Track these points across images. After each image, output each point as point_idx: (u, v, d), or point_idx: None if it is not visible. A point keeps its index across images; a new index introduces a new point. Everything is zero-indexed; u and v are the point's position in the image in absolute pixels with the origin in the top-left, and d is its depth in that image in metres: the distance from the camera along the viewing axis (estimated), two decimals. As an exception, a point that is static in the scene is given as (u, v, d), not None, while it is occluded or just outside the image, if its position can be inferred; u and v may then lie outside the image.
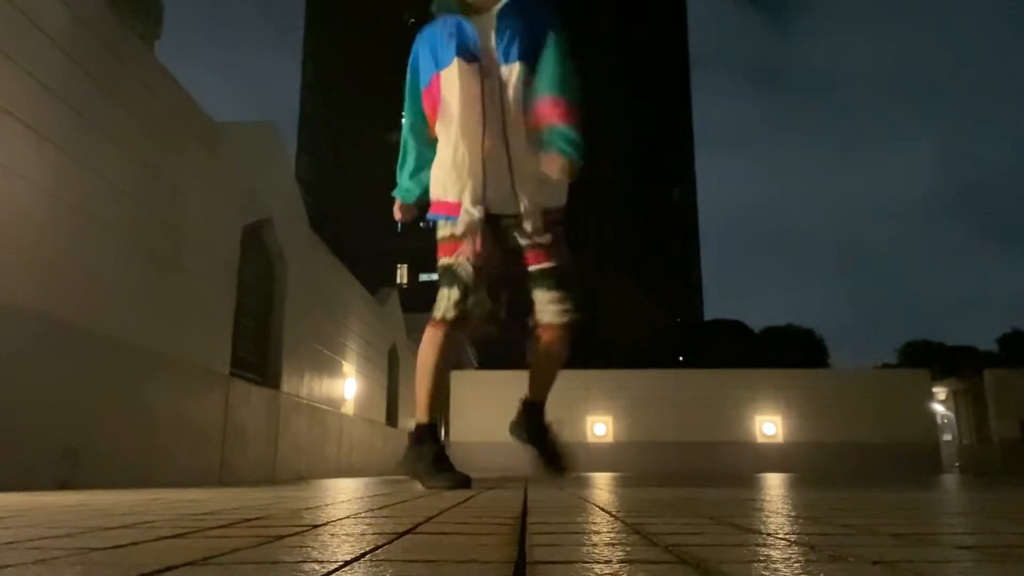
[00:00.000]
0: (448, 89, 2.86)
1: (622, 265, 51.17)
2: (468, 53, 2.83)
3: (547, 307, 2.91)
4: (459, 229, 2.83)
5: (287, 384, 6.88)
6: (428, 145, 3.03)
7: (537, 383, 3.20)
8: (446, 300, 2.84)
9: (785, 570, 0.73)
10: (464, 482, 2.76)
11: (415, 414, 2.99)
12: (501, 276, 2.92)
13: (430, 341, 2.91)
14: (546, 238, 2.89)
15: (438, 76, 2.89)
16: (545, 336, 2.98)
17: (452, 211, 2.84)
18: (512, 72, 2.82)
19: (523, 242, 2.89)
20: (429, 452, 2.85)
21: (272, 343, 6.73)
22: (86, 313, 3.76)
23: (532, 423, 3.21)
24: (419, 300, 9.50)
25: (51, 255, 3.54)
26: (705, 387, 16.80)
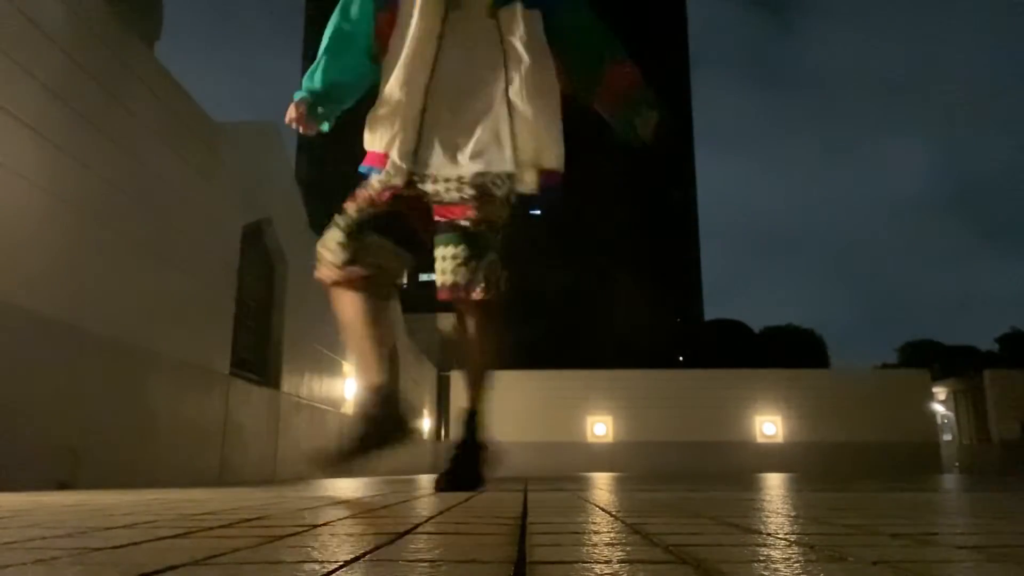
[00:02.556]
0: (403, 17, 2.43)
1: (622, 265, 51.14)
2: None
3: (441, 266, 2.40)
4: (374, 187, 2.40)
5: (287, 384, 6.87)
6: (356, 56, 2.53)
7: (465, 381, 2.60)
8: (319, 247, 2.41)
9: (785, 570, 0.73)
10: (381, 441, 2.29)
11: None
12: (405, 225, 2.42)
13: (332, 302, 2.48)
14: (469, 193, 2.37)
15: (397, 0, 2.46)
16: (458, 314, 2.49)
17: (379, 162, 2.41)
18: (515, 14, 2.40)
19: (456, 196, 2.39)
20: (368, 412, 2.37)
21: (272, 343, 6.73)
22: (86, 313, 3.76)
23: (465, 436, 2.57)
24: (419, 300, 9.50)
25: (51, 255, 3.54)
26: (705, 387, 16.80)
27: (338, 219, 2.41)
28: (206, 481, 4.90)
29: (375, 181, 2.41)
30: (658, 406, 16.36)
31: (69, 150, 3.65)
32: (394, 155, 2.37)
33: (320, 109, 2.56)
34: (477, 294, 2.36)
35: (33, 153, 3.39)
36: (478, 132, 2.37)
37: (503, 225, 2.45)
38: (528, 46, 2.39)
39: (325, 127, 2.62)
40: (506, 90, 2.37)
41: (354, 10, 2.54)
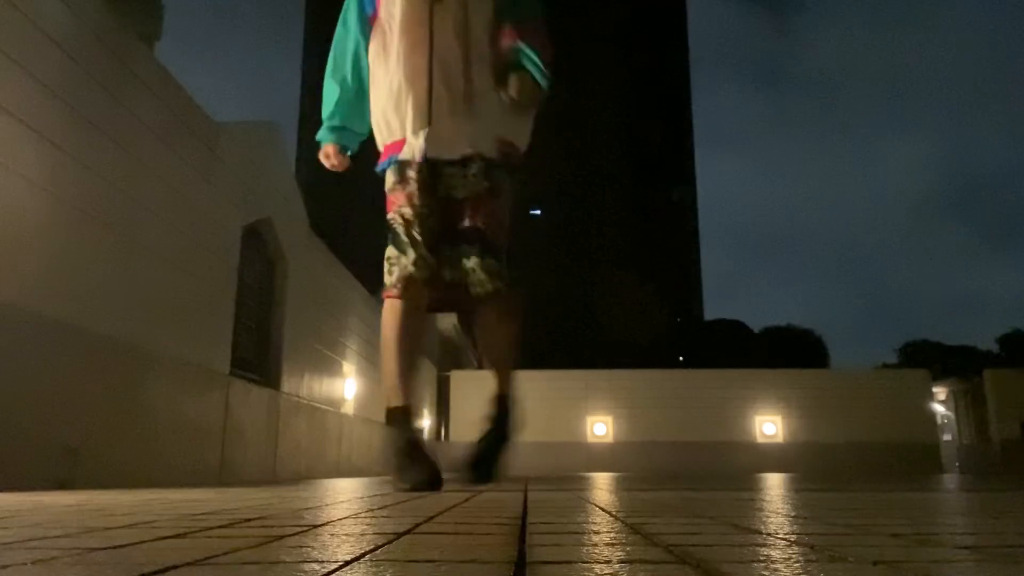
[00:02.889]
0: (389, 8, 2.54)
1: (622, 265, 51.15)
2: None
3: (476, 275, 2.48)
4: (395, 176, 2.51)
5: (287, 384, 6.88)
6: (351, 77, 2.71)
7: (494, 370, 2.70)
8: (388, 263, 2.52)
9: (785, 570, 0.73)
10: (430, 482, 2.35)
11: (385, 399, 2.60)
12: (442, 232, 2.53)
13: (387, 313, 2.55)
14: (483, 186, 2.49)
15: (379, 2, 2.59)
16: (482, 315, 2.59)
17: (397, 149, 2.52)
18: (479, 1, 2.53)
19: (462, 194, 2.51)
20: (400, 439, 2.49)
21: (272, 343, 6.73)
22: (86, 313, 3.76)
23: (499, 419, 2.70)
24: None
25: (51, 254, 3.54)
26: (705, 387, 16.80)
27: (398, 233, 2.50)
28: (206, 481, 4.90)
29: (395, 164, 2.51)
30: (658, 406, 16.36)
31: (69, 150, 3.65)
32: (409, 136, 2.47)
33: (345, 141, 2.79)
34: (507, 295, 2.52)
35: (33, 153, 3.39)
36: (477, 112, 2.49)
37: (510, 227, 2.59)
38: (479, 22, 2.52)
39: (353, 150, 2.87)
40: (469, 69, 2.49)
41: (348, 26, 2.72)
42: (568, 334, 45.17)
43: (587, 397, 16.55)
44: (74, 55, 3.70)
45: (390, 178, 2.57)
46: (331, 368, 8.33)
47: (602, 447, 16.29)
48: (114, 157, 4.04)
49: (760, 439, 16.38)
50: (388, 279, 2.52)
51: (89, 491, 2.90)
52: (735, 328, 41.98)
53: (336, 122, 2.75)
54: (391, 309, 2.54)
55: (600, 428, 16.51)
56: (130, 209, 4.20)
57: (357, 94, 2.74)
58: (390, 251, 2.54)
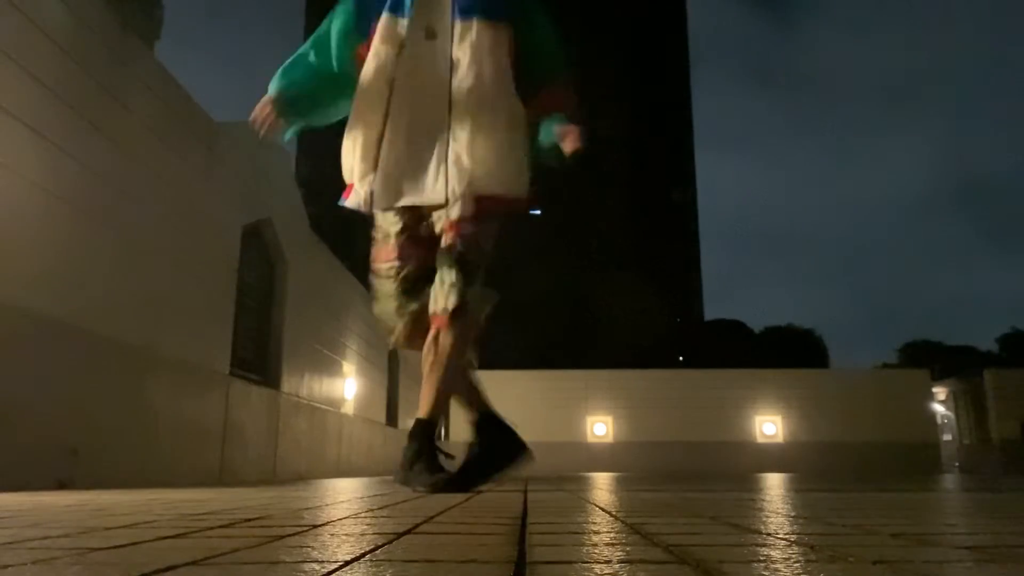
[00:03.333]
0: (373, 46, 2.45)
1: (622, 265, 51.16)
2: (398, 7, 2.44)
3: (437, 291, 2.40)
4: (376, 229, 2.50)
5: (287, 384, 6.87)
6: (317, 60, 2.57)
7: (422, 392, 2.55)
8: (378, 319, 2.56)
9: (785, 570, 0.73)
10: (441, 485, 2.35)
11: (420, 407, 2.61)
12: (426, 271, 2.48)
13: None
14: (457, 213, 2.39)
15: (373, 27, 2.51)
16: (432, 329, 2.47)
17: (347, 193, 2.51)
18: (470, 30, 2.41)
19: (438, 224, 2.44)
20: (419, 450, 2.47)
21: (272, 343, 6.73)
22: (86, 313, 3.76)
23: (413, 449, 2.51)
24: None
25: (51, 255, 3.54)
26: (705, 387, 16.81)
27: (379, 288, 2.50)
28: (206, 481, 4.90)
29: (386, 227, 2.48)
30: (658, 406, 16.36)
31: (69, 150, 3.65)
32: (356, 182, 2.43)
33: (290, 109, 2.55)
34: (458, 318, 2.38)
35: (33, 153, 3.39)
36: (438, 162, 2.37)
37: (490, 252, 2.48)
38: (476, 62, 2.38)
39: (288, 134, 2.62)
40: (449, 116, 2.36)
41: (336, 25, 2.59)
42: (568, 334, 45.15)
43: (587, 397, 16.56)
44: (74, 55, 3.70)
45: (375, 231, 2.53)
46: (331, 368, 8.33)
47: (602, 447, 16.29)
48: (114, 157, 4.04)
49: (760, 439, 16.38)
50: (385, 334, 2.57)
51: (89, 491, 2.90)
52: (735, 328, 42.00)
53: (283, 83, 2.55)
54: (423, 354, 2.52)
55: (600, 428, 16.51)
56: (130, 209, 4.20)
57: (327, 83, 2.57)
58: (374, 308, 2.57)
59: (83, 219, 3.78)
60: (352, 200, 2.47)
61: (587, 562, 0.79)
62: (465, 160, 2.36)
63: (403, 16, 2.42)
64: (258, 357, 6.46)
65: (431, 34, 2.41)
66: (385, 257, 2.48)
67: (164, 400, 4.52)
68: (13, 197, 3.26)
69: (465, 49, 2.39)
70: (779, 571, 0.72)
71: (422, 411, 2.52)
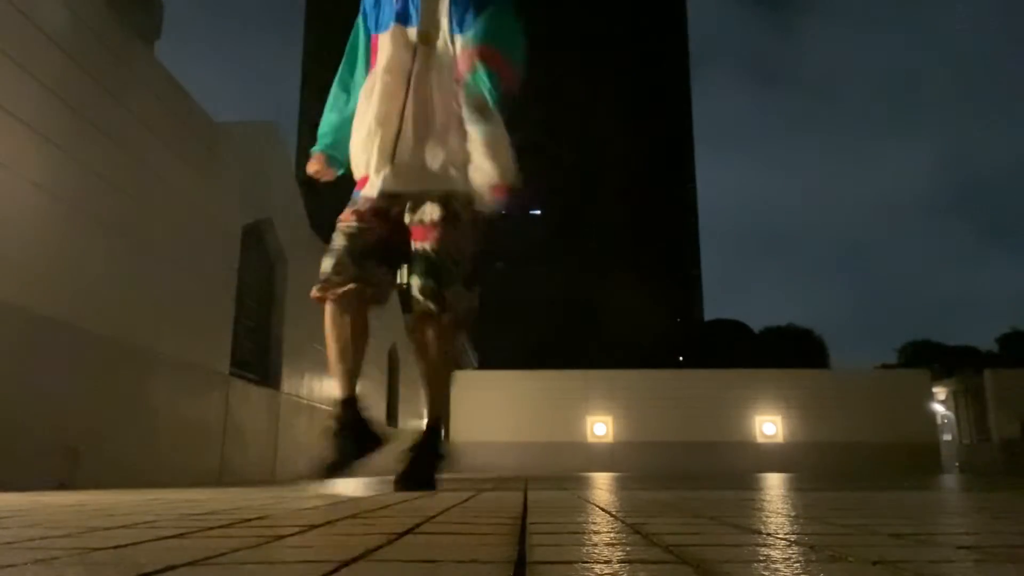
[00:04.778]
0: (381, 54, 2.72)
1: (622, 265, 51.15)
2: (406, 18, 2.68)
3: (414, 295, 2.66)
4: (357, 202, 2.71)
5: (287, 384, 6.87)
6: (350, 102, 2.90)
7: (425, 396, 2.84)
8: (325, 267, 2.76)
9: (785, 570, 0.73)
10: (332, 470, 2.63)
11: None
12: (395, 251, 2.74)
13: (325, 317, 2.81)
14: (436, 215, 2.62)
15: (376, 39, 2.77)
16: (415, 333, 2.76)
17: (363, 186, 2.75)
18: (463, 41, 2.64)
19: (412, 219, 2.67)
20: (338, 425, 2.75)
21: (272, 343, 6.73)
22: (86, 313, 3.76)
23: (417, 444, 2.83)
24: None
25: (51, 254, 3.54)
26: (705, 387, 16.80)
27: (334, 242, 2.74)
28: (206, 481, 4.90)
29: (359, 198, 2.73)
30: (658, 406, 16.35)
31: (69, 150, 3.65)
32: (372, 174, 2.67)
33: (335, 156, 2.94)
34: (441, 319, 2.66)
35: (33, 153, 3.39)
36: (441, 155, 2.63)
37: (472, 254, 2.71)
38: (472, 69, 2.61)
39: (341, 171, 2.99)
40: (460, 116, 2.61)
41: (351, 57, 2.92)
42: (568, 334, 45.13)
43: (587, 397, 16.55)
44: (74, 55, 3.70)
45: (352, 200, 2.78)
46: (331, 368, 8.32)
47: (602, 447, 16.28)
48: (114, 157, 4.04)
49: (760, 439, 16.38)
50: (319, 278, 2.75)
51: (89, 491, 2.90)
52: (735, 328, 41.98)
53: (328, 140, 2.97)
54: (326, 313, 2.80)
55: (600, 428, 16.51)
56: (130, 209, 4.20)
57: (350, 122, 2.90)
58: (323, 257, 2.77)
59: (83, 219, 3.78)
60: (368, 190, 2.68)
61: (587, 562, 0.79)
62: (481, 153, 2.56)
63: (410, 25, 2.67)
64: (258, 357, 6.46)
65: (425, 40, 2.67)
66: (348, 217, 2.71)
67: (164, 400, 4.52)
68: (12, 197, 3.26)
69: (464, 57, 2.62)
70: (779, 571, 0.72)
71: (430, 412, 2.88)
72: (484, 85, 2.58)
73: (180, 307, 4.79)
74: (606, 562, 0.79)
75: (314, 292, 2.77)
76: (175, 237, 4.74)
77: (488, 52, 2.61)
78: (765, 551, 0.88)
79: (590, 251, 53.03)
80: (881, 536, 1.09)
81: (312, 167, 2.96)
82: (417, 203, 2.67)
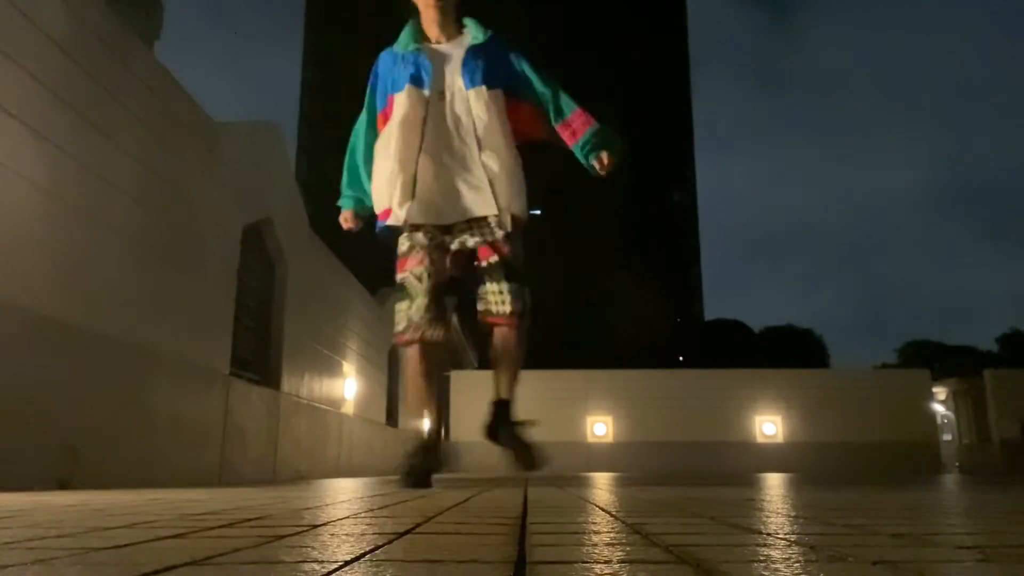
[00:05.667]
0: (397, 110, 3.14)
1: (622, 265, 51.15)
2: (419, 81, 3.13)
3: (496, 297, 3.02)
4: (403, 244, 3.08)
5: (287, 384, 6.88)
6: (368, 159, 3.27)
7: (500, 381, 3.20)
8: (401, 313, 3.04)
9: (785, 570, 0.73)
10: (416, 483, 2.94)
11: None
12: (450, 282, 3.11)
13: (409, 358, 3.09)
14: (500, 234, 3.03)
15: (392, 98, 3.18)
16: (497, 330, 3.09)
17: (385, 216, 3.09)
18: (478, 94, 3.09)
19: (475, 240, 3.05)
20: (410, 454, 3.06)
21: (272, 343, 6.73)
22: (86, 313, 3.76)
23: (502, 423, 3.19)
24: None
25: (51, 255, 3.54)
26: (705, 387, 16.80)
27: (410, 288, 3.03)
28: (206, 481, 4.90)
29: (404, 240, 3.06)
30: (658, 406, 16.35)
31: (69, 150, 3.65)
32: (395, 207, 3.02)
33: (360, 211, 3.35)
34: (523, 319, 3.04)
35: (33, 153, 3.39)
36: (462, 188, 3.03)
37: (524, 260, 3.12)
38: (491, 118, 3.07)
39: (362, 217, 3.39)
40: (480, 154, 3.03)
41: (368, 116, 3.29)
42: (568, 334, 45.14)
43: (587, 397, 16.55)
44: (74, 55, 3.70)
45: (402, 244, 3.08)
46: (331, 368, 8.33)
47: (602, 447, 16.28)
48: (114, 157, 4.04)
49: (760, 439, 16.37)
50: (398, 327, 3.02)
51: (89, 491, 2.90)
52: (735, 328, 41.97)
53: (351, 194, 3.36)
54: (411, 354, 3.05)
55: (600, 428, 16.51)
56: (129, 209, 4.20)
57: (369, 175, 3.30)
58: (400, 305, 3.05)
59: (83, 219, 3.78)
60: (392, 219, 3.04)
61: (587, 562, 0.79)
62: (502, 185, 3.01)
63: (424, 87, 3.10)
64: (258, 357, 6.46)
65: (438, 98, 3.10)
66: (417, 263, 3.03)
67: (164, 400, 4.52)
68: (13, 197, 3.26)
69: (480, 106, 3.06)
70: (779, 571, 0.72)
71: (504, 394, 3.17)
72: (609, 138, 3.13)
73: (180, 307, 4.79)
74: (606, 562, 0.79)
75: (404, 337, 3.01)
76: (175, 237, 4.74)
77: (582, 117, 3.16)
78: (765, 551, 0.88)
79: (590, 251, 53.03)
80: (881, 536, 1.09)
81: (344, 221, 3.39)
82: (468, 228, 3.06)
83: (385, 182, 3.08)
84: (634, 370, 17.78)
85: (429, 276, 2.99)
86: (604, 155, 3.10)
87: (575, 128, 3.16)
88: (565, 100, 3.22)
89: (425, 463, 3.04)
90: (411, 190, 3.02)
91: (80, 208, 3.75)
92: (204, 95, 6.00)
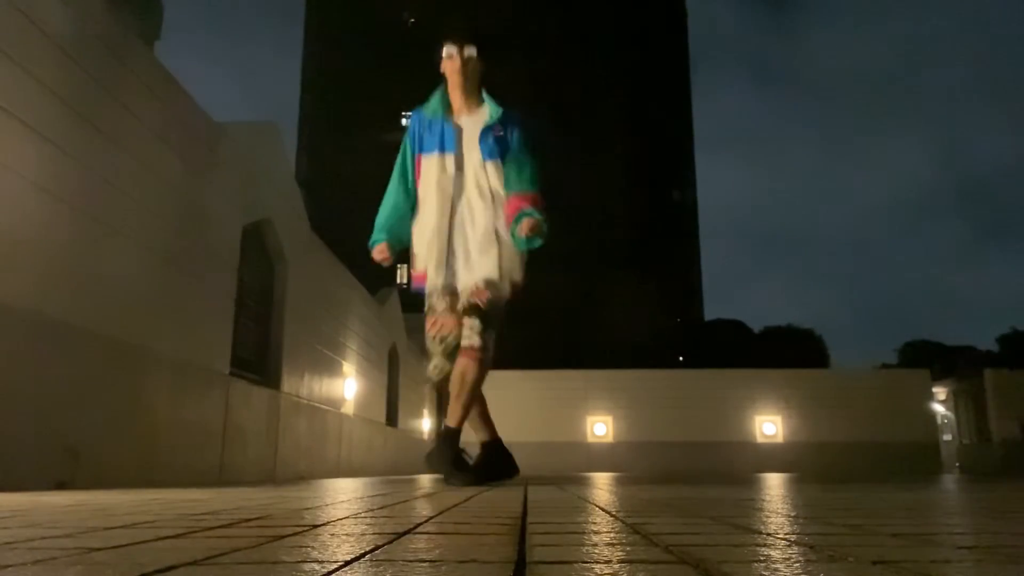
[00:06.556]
0: (427, 172, 3.68)
1: (622, 265, 51.16)
2: (443, 150, 3.65)
3: (468, 332, 3.51)
4: (427, 304, 3.64)
5: (287, 384, 6.88)
6: (402, 203, 3.76)
7: (452, 409, 3.60)
8: (430, 364, 3.72)
9: (785, 570, 0.73)
10: (475, 480, 3.46)
11: (448, 418, 3.63)
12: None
13: (439, 390, 3.83)
14: (483, 283, 3.54)
15: (420, 157, 3.73)
16: (460, 359, 3.55)
17: (421, 280, 3.66)
18: (492, 166, 3.59)
19: (468, 299, 3.57)
20: (451, 453, 3.53)
21: (272, 343, 6.73)
22: (86, 313, 3.76)
23: (444, 447, 3.59)
24: (419, 300, 9.47)
25: (51, 255, 3.54)
26: (705, 387, 16.80)
27: (431, 347, 3.68)
28: (206, 481, 4.90)
29: (435, 304, 3.63)
30: (658, 406, 16.36)
31: (69, 150, 3.65)
32: (431, 274, 3.62)
33: (393, 245, 3.76)
34: (479, 353, 3.52)
35: (33, 153, 3.39)
36: (475, 255, 3.57)
37: (502, 316, 3.62)
38: (500, 188, 3.58)
39: (394, 251, 3.84)
40: (495, 223, 3.57)
41: (402, 167, 3.77)
42: (568, 334, 45.14)
43: (587, 397, 16.56)
44: (74, 55, 3.70)
45: (427, 301, 3.67)
46: (331, 368, 8.33)
47: (602, 447, 16.29)
48: (114, 157, 4.04)
49: (760, 439, 16.38)
50: (430, 373, 3.73)
51: (89, 491, 2.90)
52: (735, 328, 41.95)
53: (385, 232, 3.76)
54: (438, 390, 3.88)
55: (600, 428, 16.51)
56: (129, 209, 4.20)
57: (402, 217, 3.80)
58: (429, 363, 3.73)
59: (82, 219, 3.78)
60: (429, 285, 3.63)
61: (587, 562, 0.79)
62: (508, 251, 3.58)
63: (447, 153, 3.62)
64: (258, 357, 6.46)
65: (459, 165, 3.63)
66: (439, 329, 3.64)
67: (164, 400, 4.51)
68: (12, 197, 3.26)
69: (495, 178, 3.58)
70: (779, 571, 0.72)
71: (452, 421, 3.58)
72: (537, 214, 3.54)
73: (180, 307, 4.79)
74: (606, 562, 0.79)
75: (433, 381, 3.73)
76: (175, 237, 4.74)
77: (530, 197, 3.59)
78: (765, 551, 0.88)
79: (590, 251, 53.05)
80: (881, 536, 1.09)
81: (378, 256, 3.78)
82: (468, 289, 3.58)
83: (426, 245, 3.65)
84: (634, 370, 17.79)
85: (441, 341, 3.63)
86: (525, 222, 3.49)
87: (519, 204, 3.57)
88: (528, 179, 3.63)
89: (464, 464, 3.57)
90: (445, 261, 3.61)
91: (80, 208, 3.75)
92: (204, 95, 5.99)
